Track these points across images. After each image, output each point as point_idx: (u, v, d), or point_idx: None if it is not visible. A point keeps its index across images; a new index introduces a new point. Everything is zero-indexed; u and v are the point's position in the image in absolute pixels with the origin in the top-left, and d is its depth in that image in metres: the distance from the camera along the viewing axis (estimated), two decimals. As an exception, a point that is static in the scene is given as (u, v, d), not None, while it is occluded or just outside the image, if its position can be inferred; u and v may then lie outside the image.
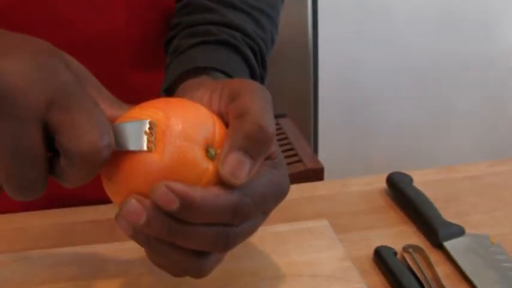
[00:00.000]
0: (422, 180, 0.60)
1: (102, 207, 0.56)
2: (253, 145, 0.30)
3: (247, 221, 0.31)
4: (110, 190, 0.32)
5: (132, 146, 0.29)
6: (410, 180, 0.60)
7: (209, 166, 0.30)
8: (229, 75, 0.43)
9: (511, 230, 0.52)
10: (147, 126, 0.30)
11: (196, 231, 0.29)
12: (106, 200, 0.57)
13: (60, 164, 0.29)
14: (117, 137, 0.30)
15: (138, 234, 0.31)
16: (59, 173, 0.29)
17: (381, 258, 0.46)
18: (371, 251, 0.48)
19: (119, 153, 0.30)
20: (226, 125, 0.33)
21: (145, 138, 0.29)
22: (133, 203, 0.29)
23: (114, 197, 0.32)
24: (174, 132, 0.30)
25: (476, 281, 0.43)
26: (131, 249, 0.44)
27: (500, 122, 1.75)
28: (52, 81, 0.28)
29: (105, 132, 0.28)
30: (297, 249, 0.43)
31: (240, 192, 0.30)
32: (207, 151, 0.30)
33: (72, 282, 0.40)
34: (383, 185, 0.62)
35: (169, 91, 0.45)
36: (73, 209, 0.56)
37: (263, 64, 0.48)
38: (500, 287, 0.43)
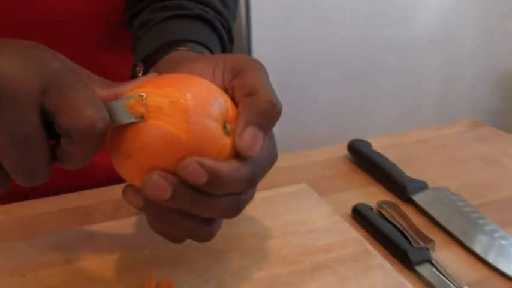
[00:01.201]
0: (379, 146, 0.64)
1: (68, 196, 0.54)
2: (266, 120, 0.32)
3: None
4: (126, 167, 0.32)
5: (124, 120, 0.30)
6: (370, 145, 0.64)
7: (227, 141, 0.31)
8: (207, 48, 0.43)
9: (464, 181, 0.58)
10: (133, 99, 0.30)
11: (216, 202, 0.31)
12: (71, 189, 0.56)
13: (61, 148, 0.30)
14: (112, 114, 0.30)
15: (149, 206, 0.31)
16: (61, 157, 0.30)
17: (360, 214, 0.49)
18: (347, 211, 0.51)
19: (139, 133, 0.30)
20: (231, 98, 0.34)
21: (130, 112, 0.30)
22: (158, 178, 0.29)
23: (130, 174, 0.32)
24: (196, 111, 0.30)
25: (448, 226, 0.48)
26: (126, 226, 0.44)
27: (421, 99, 1.89)
28: (43, 69, 0.29)
29: (98, 107, 0.29)
30: (287, 210, 0.45)
31: (252, 163, 0.32)
32: (224, 127, 0.32)
33: (69, 265, 0.39)
34: (344, 152, 0.65)
35: (146, 63, 0.44)
36: (40, 200, 0.54)
37: (230, 41, 0.49)
38: (468, 228, 0.47)
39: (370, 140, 0.66)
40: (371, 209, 0.51)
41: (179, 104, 0.30)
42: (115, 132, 0.31)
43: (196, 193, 0.30)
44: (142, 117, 0.30)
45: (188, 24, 0.45)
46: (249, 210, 0.46)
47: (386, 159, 0.60)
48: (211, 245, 0.39)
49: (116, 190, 0.55)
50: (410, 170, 0.58)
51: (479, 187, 0.56)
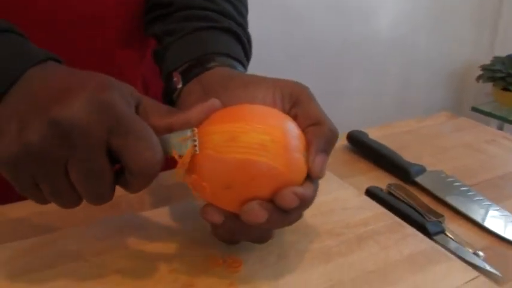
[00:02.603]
0: (372, 136, 0.70)
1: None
2: (330, 147, 0.38)
3: None
4: (221, 196, 0.36)
5: (177, 152, 0.35)
6: (367, 135, 0.70)
7: (305, 167, 0.36)
8: (239, 61, 0.47)
9: (453, 166, 0.64)
10: (188, 133, 0.35)
11: (292, 218, 0.37)
12: None
13: (124, 176, 0.35)
14: (164, 146, 0.35)
15: (228, 223, 0.36)
16: (124, 183, 0.35)
17: (374, 195, 0.55)
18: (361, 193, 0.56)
19: (244, 169, 0.34)
20: None
21: (185, 145, 0.35)
22: (256, 206, 0.34)
23: (223, 201, 0.36)
24: (291, 148, 0.35)
25: (452, 203, 0.54)
26: (174, 213, 0.47)
27: (382, 95, 2.00)
28: (110, 113, 0.33)
29: (157, 150, 0.34)
30: (319, 192, 0.49)
31: (316, 183, 0.38)
32: (303, 156, 0.36)
33: (130, 249, 0.41)
34: (343, 142, 0.71)
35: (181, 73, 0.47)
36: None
37: (251, 51, 0.53)
38: (469, 204, 0.54)
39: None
40: (382, 190, 0.57)
41: (279, 142, 0.35)
42: (208, 160, 0.35)
43: (284, 215, 0.35)
44: (196, 151, 0.35)
45: (221, 37, 0.48)
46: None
47: (386, 147, 0.66)
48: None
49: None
50: (405, 157, 0.64)
51: (467, 170, 0.63)
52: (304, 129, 0.38)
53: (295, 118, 0.38)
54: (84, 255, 0.40)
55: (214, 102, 0.38)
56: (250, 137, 0.34)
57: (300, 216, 0.38)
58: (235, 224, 0.36)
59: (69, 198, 0.35)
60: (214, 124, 0.36)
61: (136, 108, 0.36)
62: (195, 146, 0.35)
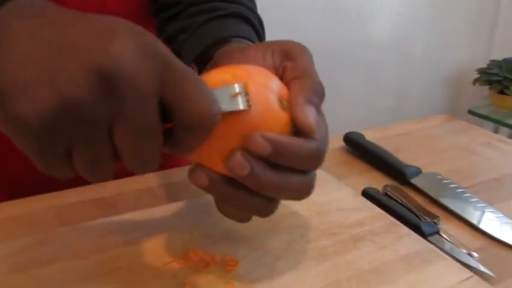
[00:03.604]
0: (369, 138, 0.71)
1: (88, 188, 0.56)
2: (318, 99, 0.35)
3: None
4: (204, 153, 0.34)
5: (231, 107, 0.32)
6: (364, 137, 0.70)
7: (282, 114, 0.34)
8: (251, 41, 0.47)
9: (448, 168, 0.65)
10: (239, 88, 0.33)
11: (290, 180, 0.33)
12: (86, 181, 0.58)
13: (173, 135, 0.31)
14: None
15: (214, 185, 0.34)
16: (172, 144, 0.31)
17: (370, 196, 0.55)
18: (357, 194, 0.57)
19: None
20: (280, 78, 0.37)
21: (240, 99, 0.33)
22: (239, 156, 0.32)
23: (199, 156, 0.35)
24: (256, 83, 0.34)
25: (447, 204, 0.55)
26: (168, 212, 0.47)
27: (377, 99, 2.01)
28: (159, 59, 0.28)
29: (214, 100, 0.30)
30: (314, 193, 0.49)
31: (316, 140, 0.34)
32: (280, 102, 0.35)
33: (129, 248, 0.41)
34: (340, 144, 0.71)
35: (197, 63, 0.47)
36: (60, 193, 0.55)
37: (264, 35, 0.54)
38: (464, 205, 0.55)
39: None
40: (378, 191, 0.57)
41: (242, 78, 0.33)
42: None
43: (272, 172, 0.32)
44: (249, 106, 0.32)
45: (229, 22, 0.49)
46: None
47: (382, 148, 0.66)
48: (257, 225, 0.44)
49: (135, 181, 0.58)
50: (401, 159, 0.65)
51: (462, 173, 0.64)
52: (288, 83, 0.36)
53: (283, 72, 0.37)
54: (83, 253, 0.41)
55: None
56: (212, 78, 0.34)
57: (302, 187, 0.34)
58: (224, 187, 0.34)
59: (107, 167, 0.29)
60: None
61: None
62: (248, 101, 0.32)
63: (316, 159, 0.34)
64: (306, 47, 0.39)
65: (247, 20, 0.50)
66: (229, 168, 0.33)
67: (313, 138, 0.34)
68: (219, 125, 0.32)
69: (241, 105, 0.32)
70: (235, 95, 0.32)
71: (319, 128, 0.35)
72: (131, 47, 0.27)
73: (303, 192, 0.35)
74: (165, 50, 0.29)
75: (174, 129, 0.31)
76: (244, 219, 0.37)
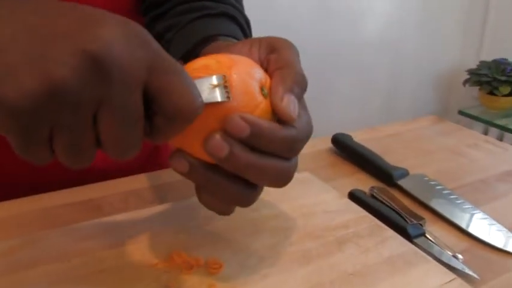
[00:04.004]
0: (357, 139, 0.71)
1: (74, 190, 0.56)
2: (299, 89, 0.36)
3: (295, 157, 0.37)
4: (184, 137, 0.34)
5: (210, 98, 0.33)
6: (351, 138, 0.71)
7: (263, 100, 0.35)
8: (236, 39, 0.47)
9: (435, 169, 0.65)
10: (219, 79, 0.33)
11: (268, 163, 0.34)
12: (77, 183, 0.57)
13: (152, 124, 0.31)
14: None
15: (195, 171, 0.34)
16: (152, 132, 0.31)
17: (356, 198, 0.55)
18: (344, 196, 0.57)
19: None
20: (265, 71, 0.37)
21: (218, 91, 0.33)
22: (218, 138, 0.32)
23: (180, 141, 0.35)
24: (239, 70, 0.34)
25: (434, 206, 0.55)
26: (152, 216, 0.47)
27: (368, 99, 2.01)
28: (147, 48, 0.29)
29: (197, 92, 0.30)
30: (299, 195, 0.50)
31: (295, 128, 0.35)
32: (261, 89, 0.35)
33: (113, 250, 0.41)
34: (328, 145, 0.71)
35: (184, 60, 0.47)
36: (47, 194, 0.55)
37: (250, 34, 0.54)
38: (450, 207, 0.55)
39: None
40: (364, 193, 0.57)
41: (224, 63, 0.34)
42: None
43: (249, 154, 0.33)
44: (228, 98, 0.33)
45: (216, 21, 0.49)
46: (263, 195, 0.50)
47: (369, 150, 0.66)
48: (241, 226, 0.44)
49: (123, 183, 0.58)
50: (389, 160, 0.65)
51: (449, 174, 0.64)
52: (271, 74, 0.36)
53: (268, 64, 0.37)
54: (67, 255, 0.40)
55: None
56: (195, 63, 0.34)
57: (279, 171, 0.34)
58: (204, 173, 0.34)
59: (89, 153, 0.29)
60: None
61: None
62: (227, 92, 0.33)
63: (293, 146, 0.35)
64: (292, 43, 0.39)
65: (235, 20, 0.51)
66: (207, 150, 0.33)
67: (292, 126, 0.34)
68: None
69: (219, 97, 0.33)
70: (215, 87, 0.33)
71: (299, 118, 0.35)
72: (121, 34, 0.27)
73: (282, 177, 0.35)
74: (154, 41, 0.30)
75: (154, 118, 0.31)
76: (225, 211, 0.37)
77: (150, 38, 0.29)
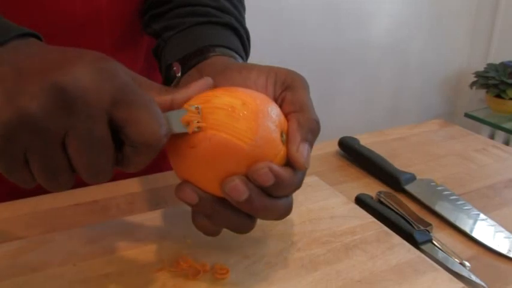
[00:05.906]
0: (364, 143, 0.71)
1: (81, 191, 0.56)
2: (313, 137, 0.37)
3: None
4: (197, 172, 0.35)
5: (181, 129, 0.34)
6: (359, 142, 0.70)
7: (282, 148, 0.36)
8: (237, 54, 0.47)
9: (443, 174, 0.65)
10: (192, 112, 0.34)
11: (278, 204, 0.36)
12: (83, 183, 0.57)
13: (122, 153, 0.33)
14: (170, 124, 0.34)
15: (203, 204, 0.36)
16: (122, 161, 0.33)
17: (363, 203, 0.55)
18: (351, 200, 0.56)
19: (209, 140, 0.34)
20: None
21: (186, 125, 0.34)
22: (238, 183, 0.34)
23: (188, 173, 0.36)
24: (264, 114, 0.35)
25: (441, 212, 0.55)
26: (161, 218, 0.47)
27: (376, 100, 2.01)
28: (114, 82, 0.31)
29: (163, 123, 0.32)
30: (306, 200, 0.50)
31: (302, 172, 0.37)
32: (281, 135, 0.36)
33: (119, 254, 0.41)
34: (335, 148, 0.71)
35: (181, 64, 0.47)
36: (52, 195, 0.55)
37: (249, 47, 0.54)
38: (457, 213, 0.55)
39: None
40: (371, 198, 0.57)
41: (250, 105, 0.34)
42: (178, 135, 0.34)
43: (266, 198, 0.35)
44: (199, 128, 0.34)
45: (220, 31, 0.49)
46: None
47: (377, 154, 0.66)
48: (248, 233, 0.43)
49: (128, 184, 0.58)
50: (395, 164, 0.64)
51: (457, 179, 0.64)
52: (287, 115, 0.37)
53: (282, 102, 0.38)
54: (71, 259, 0.40)
55: (207, 79, 0.38)
56: (221, 100, 0.34)
57: (285, 209, 0.37)
58: (213, 206, 0.36)
59: (63, 176, 0.32)
60: (195, 99, 0.36)
61: None
62: (199, 122, 0.34)
63: (297, 188, 0.37)
64: (305, 79, 0.40)
65: (236, 32, 0.51)
66: (225, 191, 0.34)
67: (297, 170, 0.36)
68: (216, 150, 0.34)
69: (189, 129, 0.34)
70: (187, 120, 0.34)
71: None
72: (90, 69, 0.30)
73: (285, 213, 0.37)
74: (125, 76, 0.32)
75: (123, 147, 0.33)
76: (215, 233, 0.39)
77: (120, 72, 0.32)
